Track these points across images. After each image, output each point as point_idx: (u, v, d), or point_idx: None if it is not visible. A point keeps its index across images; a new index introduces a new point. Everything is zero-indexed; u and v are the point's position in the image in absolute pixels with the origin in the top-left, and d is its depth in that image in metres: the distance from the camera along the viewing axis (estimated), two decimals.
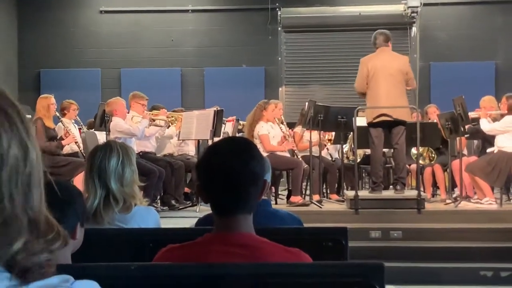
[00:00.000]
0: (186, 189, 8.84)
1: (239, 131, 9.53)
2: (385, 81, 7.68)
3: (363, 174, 10.48)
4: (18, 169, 0.94)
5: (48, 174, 1.05)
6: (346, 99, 11.78)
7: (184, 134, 8.36)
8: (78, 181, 6.40)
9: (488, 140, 8.42)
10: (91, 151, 3.06)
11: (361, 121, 8.07)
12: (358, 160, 8.82)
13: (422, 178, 8.81)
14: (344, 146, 9.46)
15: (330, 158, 9.67)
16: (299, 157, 8.52)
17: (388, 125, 7.78)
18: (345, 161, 9.45)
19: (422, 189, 8.38)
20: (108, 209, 2.84)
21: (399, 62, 7.82)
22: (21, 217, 0.94)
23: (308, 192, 8.71)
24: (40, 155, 1.00)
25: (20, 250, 0.93)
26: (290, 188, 8.53)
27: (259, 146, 7.50)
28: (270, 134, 8.33)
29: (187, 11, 13.19)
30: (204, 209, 7.15)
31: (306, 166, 8.24)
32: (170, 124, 8.80)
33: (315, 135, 8.61)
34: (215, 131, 7.99)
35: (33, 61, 13.17)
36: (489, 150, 8.24)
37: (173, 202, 8.23)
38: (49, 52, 13.18)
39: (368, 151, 8.54)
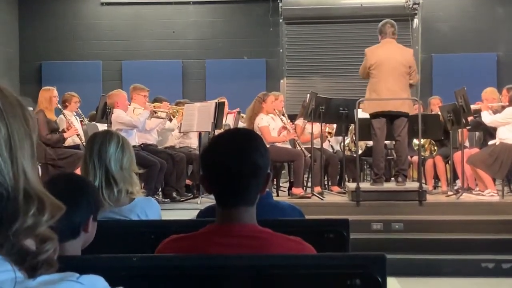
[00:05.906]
0: (188, 181, 8.84)
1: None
2: (388, 74, 7.66)
3: (365, 166, 10.47)
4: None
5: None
6: (348, 91, 11.75)
7: (185, 126, 8.35)
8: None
9: (490, 132, 8.41)
10: (90, 136, 3.07)
11: (362, 113, 8.06)
12: (360, 152, 8.81)
13: (423, 170, 8.80)
14: (345, 138, 9.45)
15: (331, 150, 9.66)
16: (301, 147, 8.48)
17: (390, 117, 7.78)
18: (347, 153, 9.43)
19: (423, 181, 8.38)
20: (109, 190, 2.84)
21: (403, 55, 7.79)
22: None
23: (309, 184, 8.70)
24: (34, 140, 1.01)
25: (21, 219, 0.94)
26: (291, 180, 8.52)
27: None
28: (270, 126, 8.29)
29: (188, 2, 13.16)
30: (205, 201, 7.16)
31: (308, 155, 8.20)
32: (171, 117, 8.80)
33: (316, 127, 8.60)
34: (217, 123, 7.99)
35: (35, 53, 13.16)
36: (490, 142, 8.23)
37: (174, 194, 8.23)
38: (50, 44, 13.17)
39: (369, 143, 8.53)
